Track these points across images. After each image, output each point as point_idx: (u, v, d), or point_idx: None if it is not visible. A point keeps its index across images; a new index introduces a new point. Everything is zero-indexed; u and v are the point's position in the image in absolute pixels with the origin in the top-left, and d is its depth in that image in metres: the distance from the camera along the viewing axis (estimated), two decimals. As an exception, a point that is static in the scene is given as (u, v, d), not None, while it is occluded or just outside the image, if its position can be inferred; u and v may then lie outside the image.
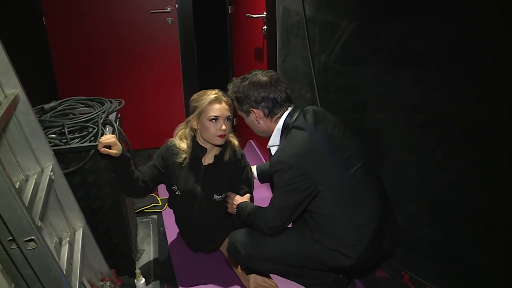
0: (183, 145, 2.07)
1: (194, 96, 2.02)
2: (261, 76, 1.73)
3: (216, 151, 2.07)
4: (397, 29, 1.75)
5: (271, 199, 1.74)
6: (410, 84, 1.75)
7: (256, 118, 1.76)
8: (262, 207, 1.85)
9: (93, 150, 1.79)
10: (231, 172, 2.10)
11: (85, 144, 1.80)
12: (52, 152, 1.59)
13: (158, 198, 2.89)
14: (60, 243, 1.65)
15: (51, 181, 1.54)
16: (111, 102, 2.22)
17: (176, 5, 3.46)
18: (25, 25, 3.16)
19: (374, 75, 1.92)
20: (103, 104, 2.17)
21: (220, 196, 2.09)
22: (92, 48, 3.48)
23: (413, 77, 1.74)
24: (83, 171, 1.83)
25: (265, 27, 2.71)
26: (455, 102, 1.59)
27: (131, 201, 2.40)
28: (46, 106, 2.13)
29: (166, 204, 2.82)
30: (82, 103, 2.24)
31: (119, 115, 2.26)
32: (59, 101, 2.22)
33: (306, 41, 2.27)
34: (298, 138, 1.66)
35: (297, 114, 1.72)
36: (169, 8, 3.44)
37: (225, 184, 2.10)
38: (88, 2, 3.34)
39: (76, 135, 1.87)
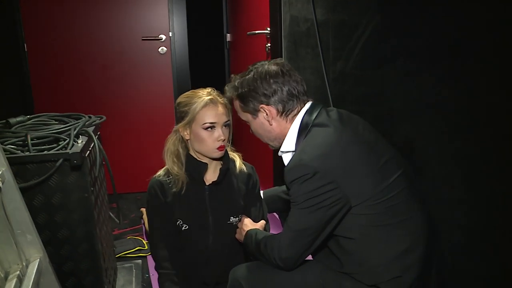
0: (176, 167, 1.64)
1: (182, 98, 1.62)
2: (269, 65, 1.40)
3: (218, 163, 1.67)
4: (431, 19, 1.47)
5: (286, 220, 1.34)
6: (450, 82, 1.43)
7: (267, 118, 1.40)
8: (275, 234, 1.45)
9: (61, 160, 1.42)
10: (244, 189, 1.70)
11: (50, 152, 1.43)
12: (4, 156, 1.22)
13: (144, 242, 2.46)
14: (6, 278, 1.23)
15: (-4, 189, 1.16)
16: (90, 117, 1.88)
17: (170, 33, 3.22)
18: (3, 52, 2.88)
19: (403, 76, 1.61)
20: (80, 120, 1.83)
21: (238, 218, 1.67)
22: (75, 77, 3.18)
23: (454, 73, 1.42)
24: (47, 189, 1.45)
25: (269, 44, 2.45)
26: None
27: (108, 238, 1.97)
28: (12, 120, 1.78)
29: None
30: (56, 120, 1.90)
31: (98, 132, 1.91)
32: (28, 116, 1.88)
33: (319, 49, 1.99)
34: (323, 137, 1.29)
35: (317, 111, 1.38)
36: (163, 37, 3.20)
37: (240, 202, 1.69)
38: (73, 28, 3.09)
39: (44, 147, 1.50)
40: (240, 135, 3.30)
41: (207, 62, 3.50)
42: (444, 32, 1.41)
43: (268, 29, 2.44)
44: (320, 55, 1.99)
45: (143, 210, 2.45)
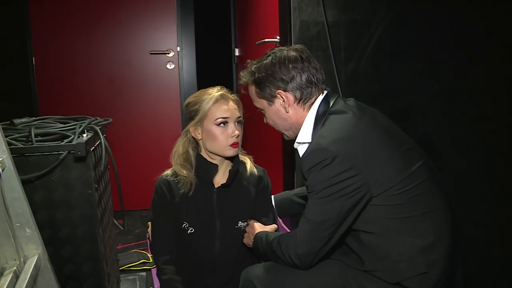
0: (185, 170, 1.56)
1: (190, 98, 1.56)
2: (288, 51, 1.35)
3: (228, 165, 1.60)
4: (445, 13, 1.42)
5: (303, 213, 1.25)
6: (467, 75, 1.37)
7: (283, 105, 1.34)
8: (288, 232, 1.37)
9: (65, 152, 1.36)
10: (254, 192, 1.62)
11: (53, 143, 1.37)
12: (5, 142, 1.16)
13: (149, 255, 2.37)
14: (1, 274, 1.15)
15: (-5, 174, 1.10)
16: (96, 119, 1.83)
17: (178, 48, 3.22)
18: (12, 66, 2.88)
19: (420, 68, 1.55)
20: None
21: (246, 223, 1.58)
22: (82, 90, 3.18)
23: (470, 66, 1.36)
24: (49, 183, 1.38)
25: (278, 52, 2.42)
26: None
27: (112, 244, 1.88)
28: (17, 121, 1.73)
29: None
30: (61, 122, 1.85)
31: (105, 135, 1.85)
32: (33, 118, 1.84)
33: (330, 51, 1.95)
34: (341, 122, 1.23)
35: (334, 99, 1.32)
36: (171, 52, 3.20)
37: (250, 206, 1.60)
38: (81, 41, 3.12)
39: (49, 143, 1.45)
40: (249, 140, 3.24)
41: (215, 77, 3.48)
42: (459, 26, 1.37)
43: (278, 37, 2.41)
44: (332, 57, 1.95)
45: (149, 223, 2.37)
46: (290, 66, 1.31)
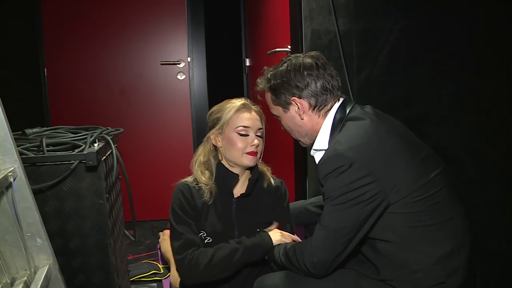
0: (205, 178, 1.57)
1: (214, 108, 1.60)
2: (304, 58, 1.35)
3: (248, 176, 1.60)
4: (457, 20, 1.40)
5: (319, 220, 1.23)
6: (480, 83, 1.35)
7: (298, 112, 1.34)
8: (304, 240, 1.35)
9: (77, 162, 1.35)
10: (272, 202, 1.62)
11: (64, 153, 1.37)
12: (17, 151, 1.16)
13: (160, 266, 2.36)
14: (12, 284, 1.14)
15: (6, 183, 1.09)
16: (107, 129, 1.83)
17: (189, 58, 3.23)
18: (24, 77, 2.91)
19: (432, 76, 1.53)
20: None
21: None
22: (93, 101, 3.20)
23: (483, 74, 1.34)
24: (60, 193, 1.37)
25: (289, 62, 2.41)
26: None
27: (123, 254, 1.86)
28: (28, 131, 1.74)
29: (169, 273, 2.28)
30: (73, 132, 1.85)
31: (116, 145, 1.85)
32: (45, 128, 1.84)
33: (342, 61, 1.94)
34: (359, 128, 1.22)
35: (351, 106, 1.31)
36: (182, 62, 3.21)
37: (268, 216, 1.59)
38: (92, 51, 3.15)
39: (60, 152, 1.45)
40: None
41: (226, 87, 3.49)
42: (471, 33, 1.35)
43: (289, 46, 2.41)
44: (344, 66, 1.94)
45: (161, 234, 2.37)
46: (305, 73, 1.31)
